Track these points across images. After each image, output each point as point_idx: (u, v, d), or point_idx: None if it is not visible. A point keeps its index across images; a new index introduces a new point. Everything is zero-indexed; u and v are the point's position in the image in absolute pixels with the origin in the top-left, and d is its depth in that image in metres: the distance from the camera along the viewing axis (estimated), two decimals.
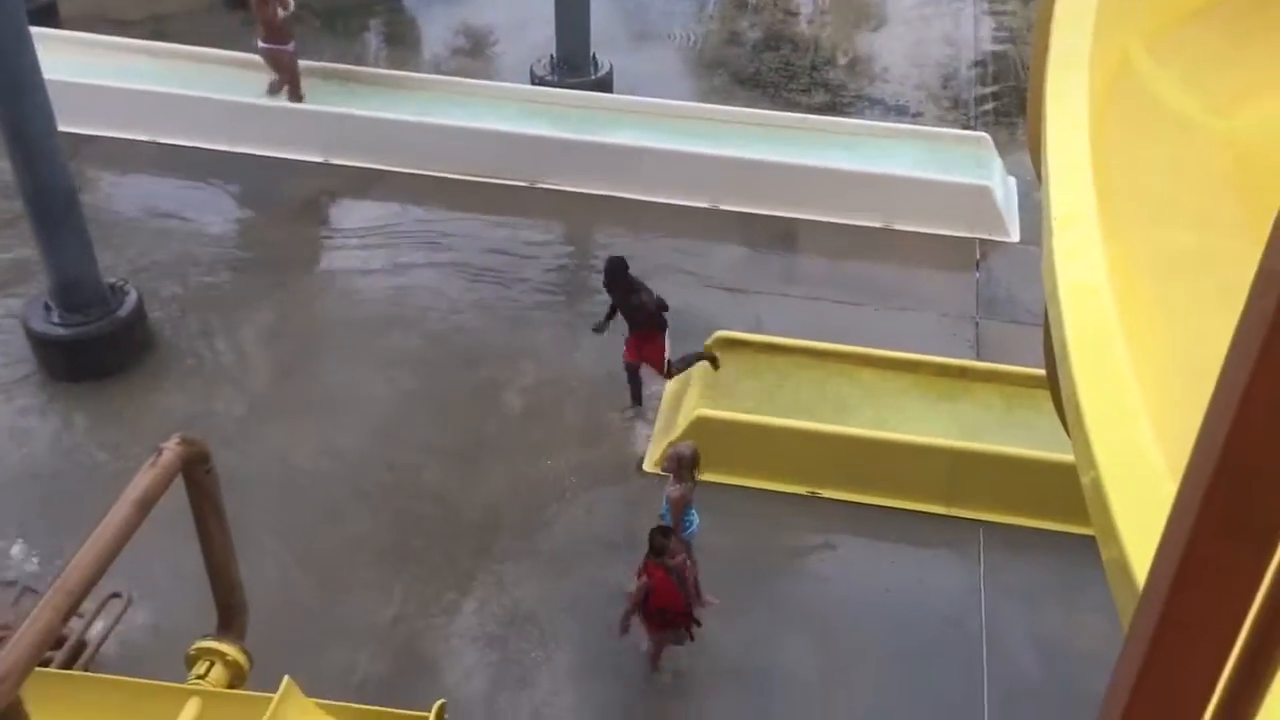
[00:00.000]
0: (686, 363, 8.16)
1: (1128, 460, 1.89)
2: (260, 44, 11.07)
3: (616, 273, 7.97)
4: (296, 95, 11.28)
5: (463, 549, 7.34)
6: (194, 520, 4.48)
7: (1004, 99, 12.81)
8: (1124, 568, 1.73)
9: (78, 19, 13.33)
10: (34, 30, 7.68)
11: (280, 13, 10.77)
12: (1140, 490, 1.82)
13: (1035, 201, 10.43)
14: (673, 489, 6.61)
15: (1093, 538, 1.97)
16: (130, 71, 11.85)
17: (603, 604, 7.01)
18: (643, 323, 7.97)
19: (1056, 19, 3.20)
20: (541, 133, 11.19)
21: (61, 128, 8.03)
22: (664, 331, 8.03)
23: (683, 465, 6.58)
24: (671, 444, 6.68)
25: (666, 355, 8.05)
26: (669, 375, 8.19)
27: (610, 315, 8.16)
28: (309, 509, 7.55)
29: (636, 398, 8.38)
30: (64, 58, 11.06)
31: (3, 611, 6.23)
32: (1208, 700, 1.08)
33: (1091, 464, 1.91)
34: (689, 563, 6.34)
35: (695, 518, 6.76)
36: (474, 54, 13.63)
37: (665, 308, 8.00)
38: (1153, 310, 2.70)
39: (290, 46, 11.09)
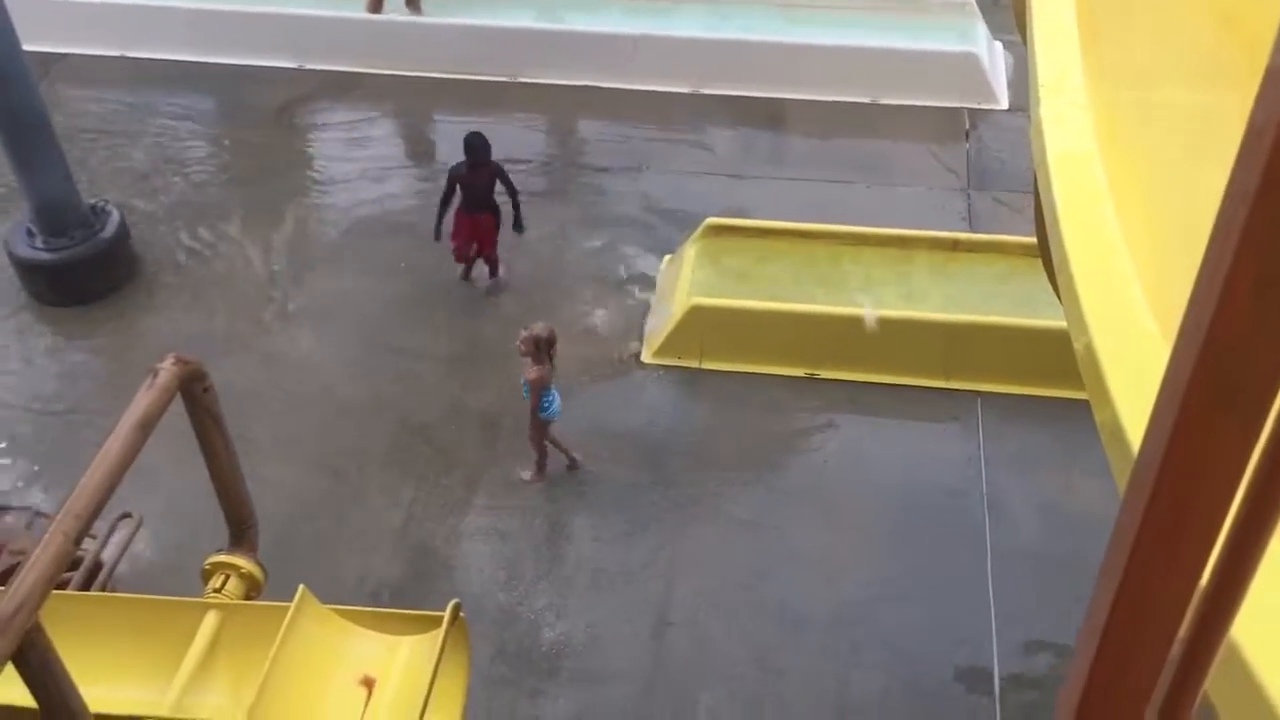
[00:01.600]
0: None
1: (1119, 324, 1.89)
2: None
3: (481, 150, 7.94)
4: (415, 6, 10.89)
5: (467, 451, 7.40)
6: (197, 438, 4.51)
7: None
8: (1118, 431, 1.75)
9: None
10: None
11: None
12: (1132, 354, 1.82)
13: (1024, 67, 10.28)
14: (530, 370, 6.79)
15: (1088, 402, 1.99)
16: None
17: (610, 497, 7.11)
18: (482, 202, 8.11)
19: None
20: (520, 24, 10.95)
21: (28, 47, 7.83)
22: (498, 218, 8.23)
23: (539, 347, 6.74)
24: (530, 329, 6.77)
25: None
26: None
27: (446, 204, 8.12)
28: (310, 419, 7.59)
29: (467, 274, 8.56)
30: None
31: (16, 537, 6.31)
32: (1203, 564, 1.09)
33: (1084, 330, 1.91)
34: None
35: (556, 398, 6.97)
36: None
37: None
38: (1143, 172, 2.67)
39: None
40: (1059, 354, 6.78)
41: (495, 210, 8.20)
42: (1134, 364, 1.79)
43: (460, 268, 8.46)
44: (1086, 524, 6.65)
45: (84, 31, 10.92)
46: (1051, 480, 7.17)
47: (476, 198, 8.07)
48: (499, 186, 8.11)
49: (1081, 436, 6.97)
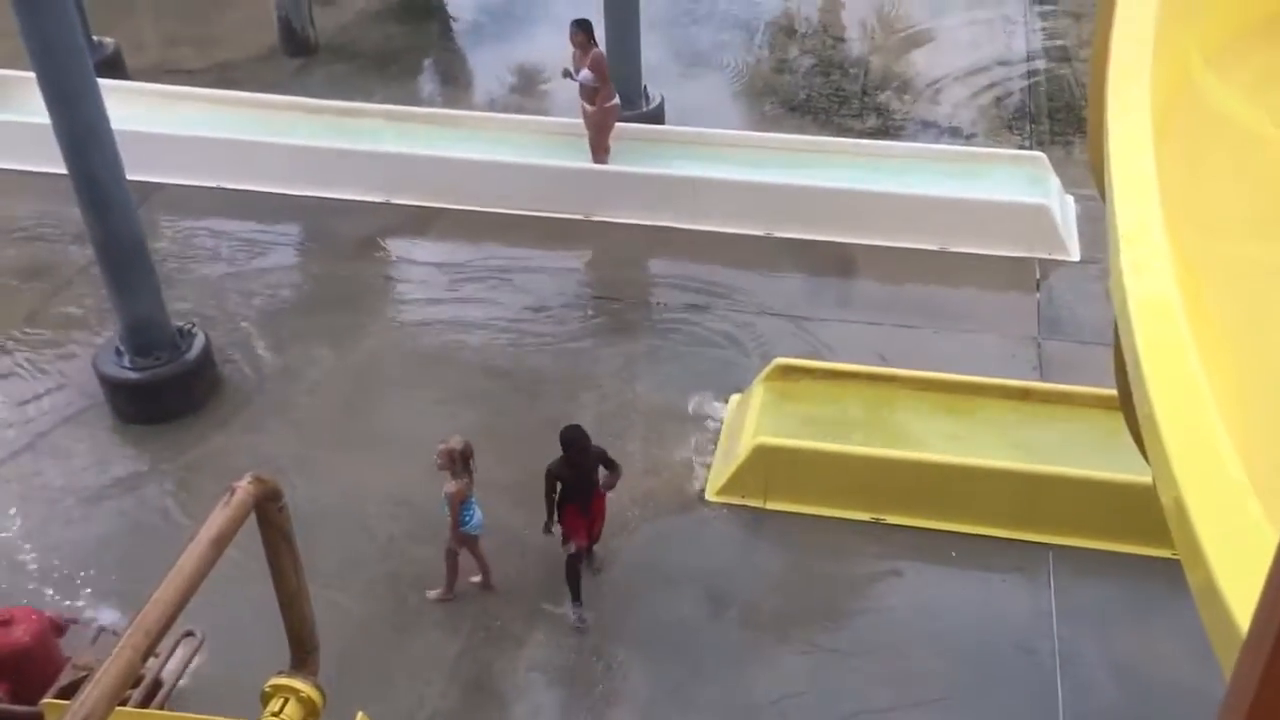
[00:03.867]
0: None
1: (1210, 478, 1.86)
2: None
3: (579, 442, 6.96)
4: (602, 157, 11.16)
5: (527, 584, 7.35)
6: (267, 557, 4.55)
7: (1058, 118, 12.69)
8: (1213, 594, 1.69)
9: (143, 70, 13.72)
10: (102, 82, 7.91)
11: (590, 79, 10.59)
12: (1225, 509, 1.79)
13: (1095, 219, 10.33)
14: (449, 485, 6.85)
15: (1167, 559, 1.94)
16: (195, 119, 12.17)
17: (670, 635, 6.99)
18: (589, 490, 7.10)
19: (1115, 35, 3.18)
20: (596, 166, 11.29)
21: (130, 176, 8.24)
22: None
23: (454, 460, 6.83)
24: (446, 443, 6.82)
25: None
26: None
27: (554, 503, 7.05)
28: (376, 544, 7.62)
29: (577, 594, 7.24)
30: (131, 108, 11.39)
31: (81, 651, 6.36)
32: None
33: (1172, 483, 1.88)
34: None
35: (477, 512, 7.04)
36: (526, 91, 13.81)
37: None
38: (1223, 324, 2.66)
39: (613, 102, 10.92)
40: (1134, 508, 6.64)
41: (600, 492, 7.23)
42: (1227, 520, 1.75)
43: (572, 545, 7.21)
44: (1168, 688, 6.39)
45: (182, 163, 11.46)
46: (1128, 639, 6.92)
47: (583, 489, 7.08)
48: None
49: (1160, 594, 6.79)
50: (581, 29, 10.63)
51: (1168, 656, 6.64)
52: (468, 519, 7.04)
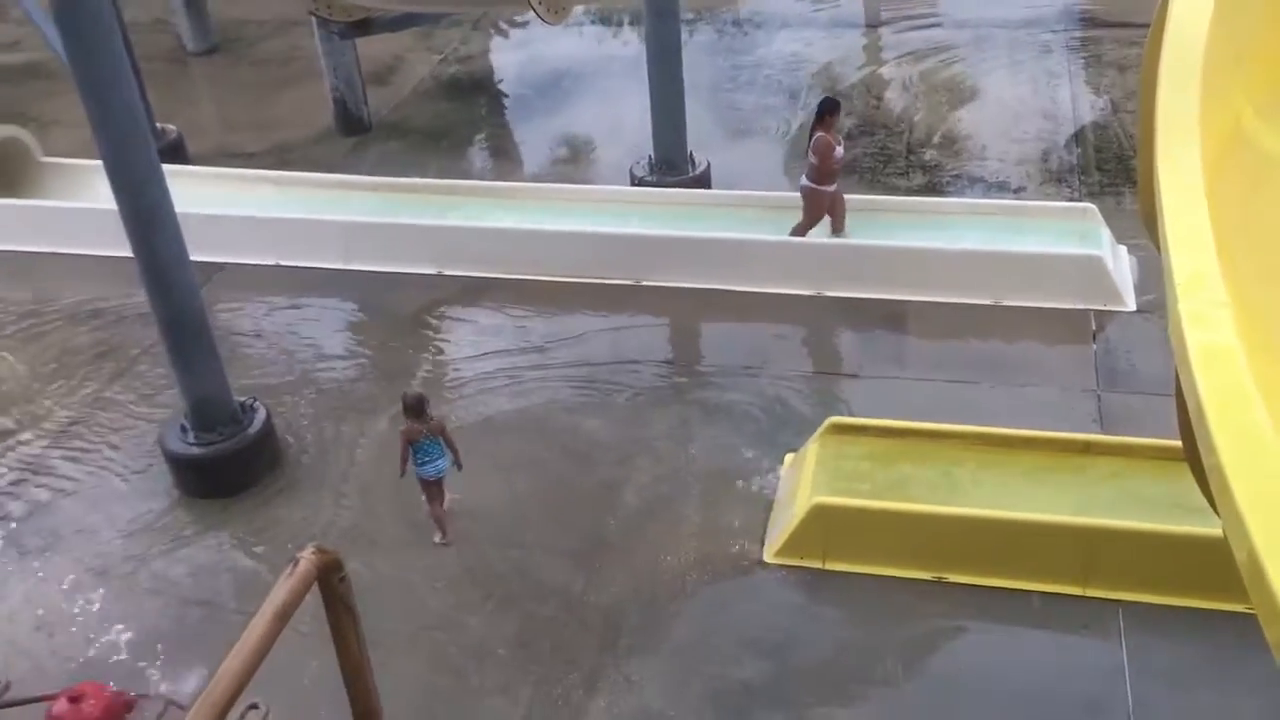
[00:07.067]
0: None
1: None
2: (805, 182, 10.84)
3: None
4: (803, 230, 11.04)
5: (587, 649, 7.33)
6: (330, 628, 4.58)
7: (1107, 169, 12.64)
8: None
9: (205, 154, 14.17)
10: (165, 167, 8.17)
11: (838, 154, 10.60)
12: None
13: (1149, 268, 10.23)
14: (402, 427, 7.87)
15: (1244, 614, 1.90)
16: (254, 200, 12.51)
17: (732, 700, 6.91)
18: None
19: (1162, 85, 3.18)
20: (644, 231, 11.42)
21: (194, 257, 8.47)
22: None
23: (406, 407, 7.80)
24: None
25: None
26: None
27: None
28: (434, 614, 7.64)
29: None
30: (194, 191, 11.74)
31: None
32: None
33: (1245, 538, 1.85)
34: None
35: (435, 461, 7.89)
36: (574, 161, 14.05)
37: None
38: None
39: (833, 188, 10.87)
40: (1205, 562, 6.49)
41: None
42: None
43: None
44: None
45: (243, 243, 11.76)
46: (1204, 697, 6.72)
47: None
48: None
49: (1235, 649, 6.61)
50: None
51: (1245, 714, 6.44)
52: (421, 462, 7.86)
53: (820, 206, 10.96)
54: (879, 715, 6.79)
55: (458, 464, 8.06)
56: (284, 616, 4.12)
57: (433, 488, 8.02)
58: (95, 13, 7.30)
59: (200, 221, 10.41)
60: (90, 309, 11.27)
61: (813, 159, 10.69)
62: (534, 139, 14.63)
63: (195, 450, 8.67)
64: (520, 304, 10.91)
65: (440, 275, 11.38)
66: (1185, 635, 7.08)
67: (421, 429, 7.81)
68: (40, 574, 8.18)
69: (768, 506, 8.28)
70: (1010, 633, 7.30)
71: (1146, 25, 3.59)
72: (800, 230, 11.06)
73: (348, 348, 10.59)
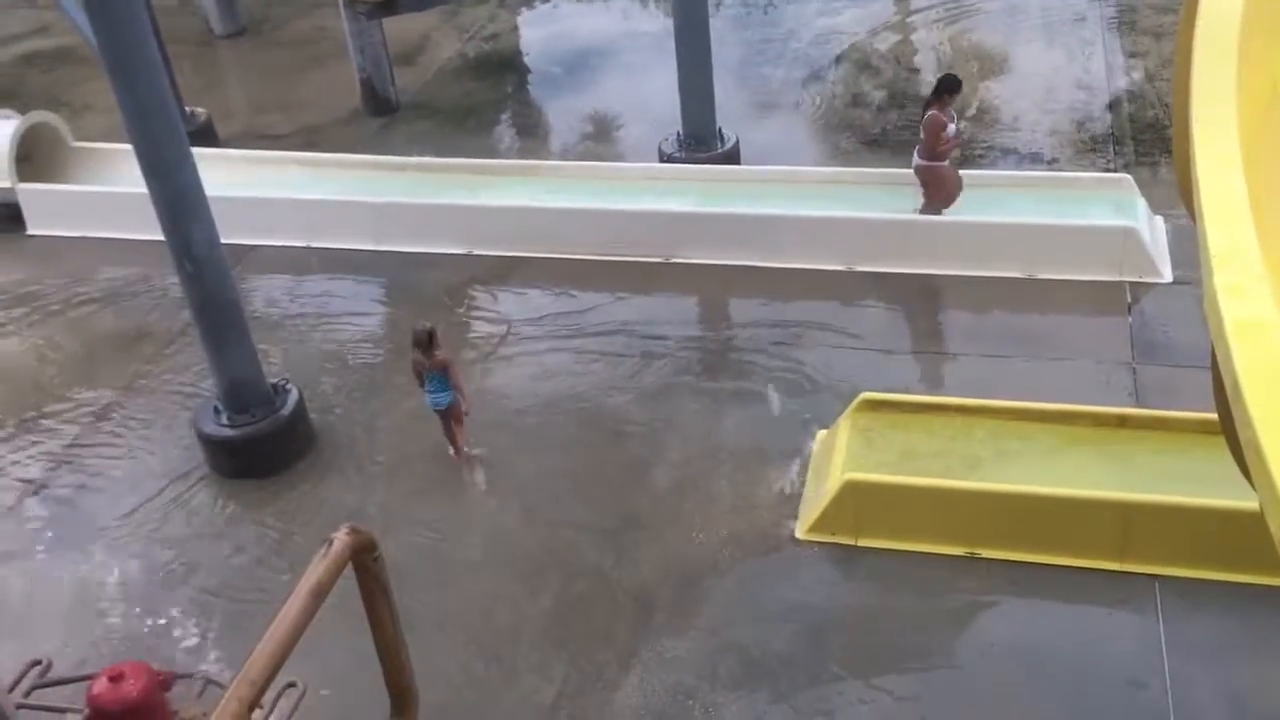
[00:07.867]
0: None
1: None
2: (918, 160, 10.56)
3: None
4: (936, 209, 10.73)
5: (621, 626, 7.35)
6: (365, 607, 4.62)
7: (1143, 139, 12.45)
8: None
9: (234, 137, 14.24)
10: (195, 150, 8.21)
11: (950, 131, 10.30)
12: None
13: (1185, 239, 10.08)
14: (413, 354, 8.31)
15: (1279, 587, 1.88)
16: (284, 182, 12.57)
17: (764, 677, 6.92)
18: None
19: (1197, 53, 3.12)
20: (673, 208, 11.38)
21: (225, 240, 8.52)
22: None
23: (416, 343, 8.21)
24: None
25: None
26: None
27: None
28: (468, 593, 7.69)
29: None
30: (224, 174, 11.81)
31: (188, 705, 6.49)
32: None
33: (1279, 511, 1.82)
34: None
35: (439, 393, 8.33)
36: (601, 138, 14.00)
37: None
38: None
39: (946, 163, 10.58)
40: (1242, 536, 6.41)
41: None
42: None
43: None
44: None
45: (273, 225, 11.83)
46: (1243, 670, 6.66)
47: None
48: None
49: (1273, 622, 6.53)
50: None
51: None
52: (430, 391, 8.32)
53: (945, 181, 10.55)
54: (913, 690, 6.78)
55: (463, 403, 8.47)
56: (319, 595, 4.16)
57: (438, 417, 8.49)
58: None
59: (231, 204, 10.47)
60: (124, 292, 11.39)
61: (922, 134, 10.52)
62: (562, 116, 14.60)
63: (228, 432, 8.74)
64: (549, 282, 10.91)
65: (470, 255, 11.40)
66: (1222, 609, 7.01)
67: (425, 362, 8.20)
68: (77, 555, 8.31)
69: (800, 484, 8.26)
70: (1046, 608, 7.26)
71: None
72: (933, 210, 10.67)
73: (379, 327, 10.65)
